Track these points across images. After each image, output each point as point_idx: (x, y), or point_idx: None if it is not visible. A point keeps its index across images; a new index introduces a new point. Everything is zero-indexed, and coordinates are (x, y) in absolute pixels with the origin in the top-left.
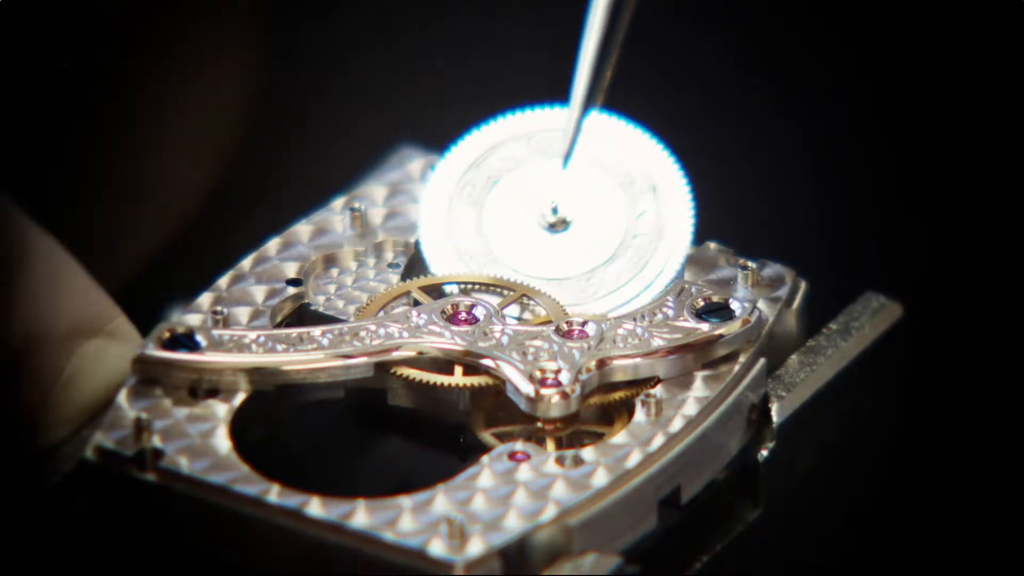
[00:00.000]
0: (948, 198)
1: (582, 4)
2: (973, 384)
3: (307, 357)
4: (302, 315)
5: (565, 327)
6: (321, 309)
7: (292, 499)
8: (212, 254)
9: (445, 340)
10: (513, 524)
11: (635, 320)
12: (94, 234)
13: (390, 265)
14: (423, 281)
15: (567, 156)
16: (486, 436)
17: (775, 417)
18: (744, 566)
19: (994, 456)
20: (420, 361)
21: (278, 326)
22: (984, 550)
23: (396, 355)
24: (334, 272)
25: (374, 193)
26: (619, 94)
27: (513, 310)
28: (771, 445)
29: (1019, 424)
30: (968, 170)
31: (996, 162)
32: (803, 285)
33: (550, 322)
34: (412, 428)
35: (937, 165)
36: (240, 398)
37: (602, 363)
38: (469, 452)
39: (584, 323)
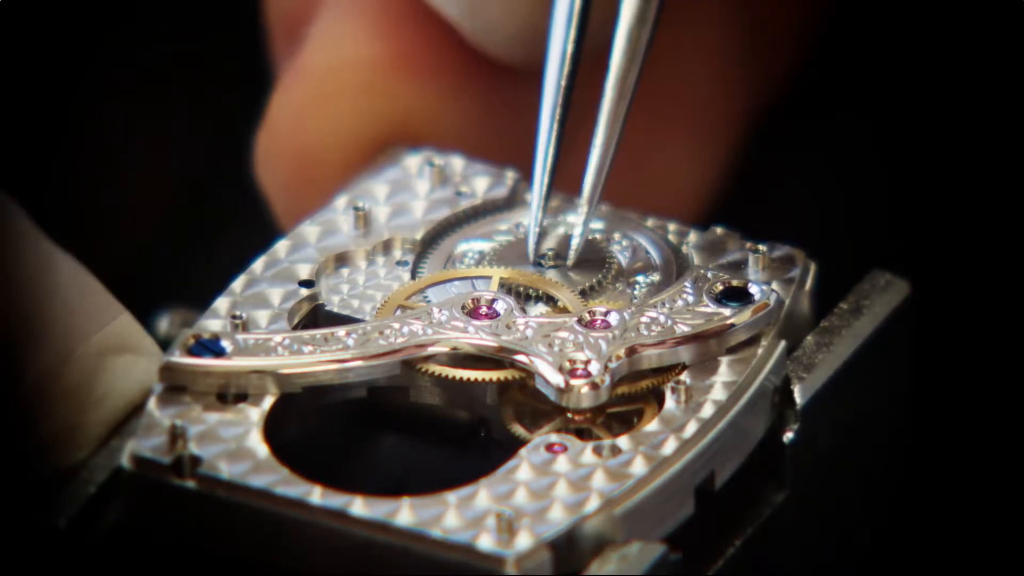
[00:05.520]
0: (942, 169)
1: None
2: (987, 355)
3: (335, 357)
4: (316, 316)
5: (588, 317)
6: (336, 309)
7: (335, 500)
8: (192, 262)
9: (469, 335)
10: (559, 516)
11: (656, 308)
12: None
13: (399, 263)
14: (432, 278)
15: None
16: (516, 429)
17: (798, 399)
18: (771, 547)
19: (1013, 422)
20: (440, 356)
21: (295, 328)
22: (1005, 515)
23: (430, 351)
24: (344, 272)
25: (375, 191)
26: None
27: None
28: (795, 427)
29: None
30: (962, 139)
31: (991, 131)
32: (813, 266)
33: (567, 312)
34: (431, 425)
35: (930, 137)
36: (269, 401)
37: (630, 351)
38: (493, 446)
39: (607, 312)
